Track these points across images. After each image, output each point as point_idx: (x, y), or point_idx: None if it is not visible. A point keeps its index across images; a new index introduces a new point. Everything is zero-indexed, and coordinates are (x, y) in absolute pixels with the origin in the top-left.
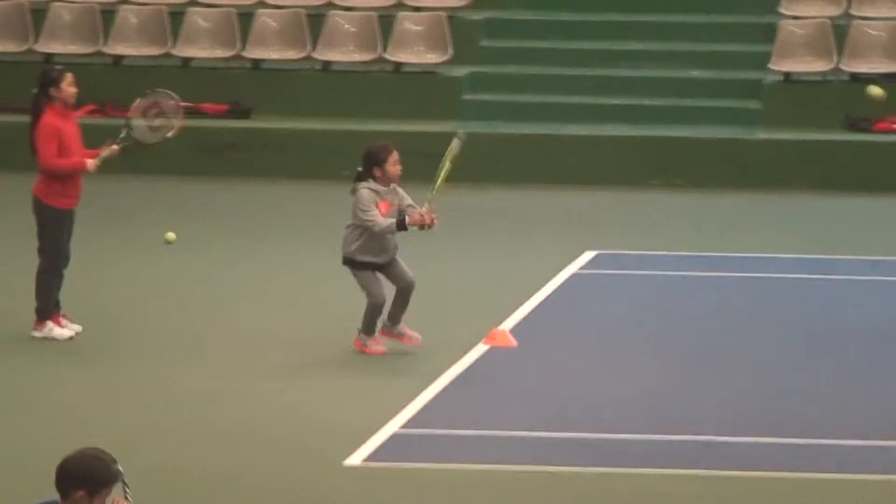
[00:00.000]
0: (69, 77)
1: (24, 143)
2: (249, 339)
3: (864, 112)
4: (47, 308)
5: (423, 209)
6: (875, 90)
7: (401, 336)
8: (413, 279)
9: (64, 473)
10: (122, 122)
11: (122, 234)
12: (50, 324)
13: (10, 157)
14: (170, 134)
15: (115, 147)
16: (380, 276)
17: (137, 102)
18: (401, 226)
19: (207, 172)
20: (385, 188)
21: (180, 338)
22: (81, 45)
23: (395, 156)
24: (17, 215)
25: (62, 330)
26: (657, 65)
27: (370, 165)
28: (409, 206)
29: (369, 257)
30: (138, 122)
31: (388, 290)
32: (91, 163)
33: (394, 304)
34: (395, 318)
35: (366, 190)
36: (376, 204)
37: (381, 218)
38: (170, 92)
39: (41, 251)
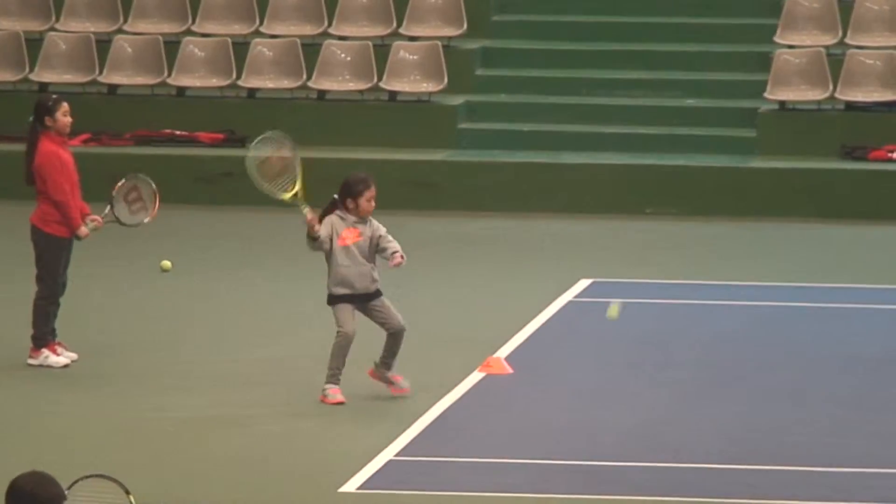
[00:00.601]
0: (64, 106)
1: (20, 171)
2: (245, 367)
3: (859, 140)
4: (44, 336)
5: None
6: (612, 311)
7: (389, 383)
8: (402, 324)
9: (14, 490)
10: (118, 162)
11: (118, 261)
12: (46, 351)
13: (7, 185)
14: (146, 220)
15: (100, 221)
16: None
17: (121, 183)
18: (311, 239)
19: (203, 201)
20: (355, 218)
21: (175, 366)
22: (77, 74)
23: (371, 191)
24: (13, 243)
25: (58, 357)
26: (653, 93)
27: (344, 196)
28: (382, 237)
29: (340, 289)
30: (119, 203)
31: (376, 336)
32: (83, 232)
33: (384, 349)
34: (385, 363)
35: (331, 217)
36: (335, 231)
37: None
38: (149, 180)
39: (39, 279)
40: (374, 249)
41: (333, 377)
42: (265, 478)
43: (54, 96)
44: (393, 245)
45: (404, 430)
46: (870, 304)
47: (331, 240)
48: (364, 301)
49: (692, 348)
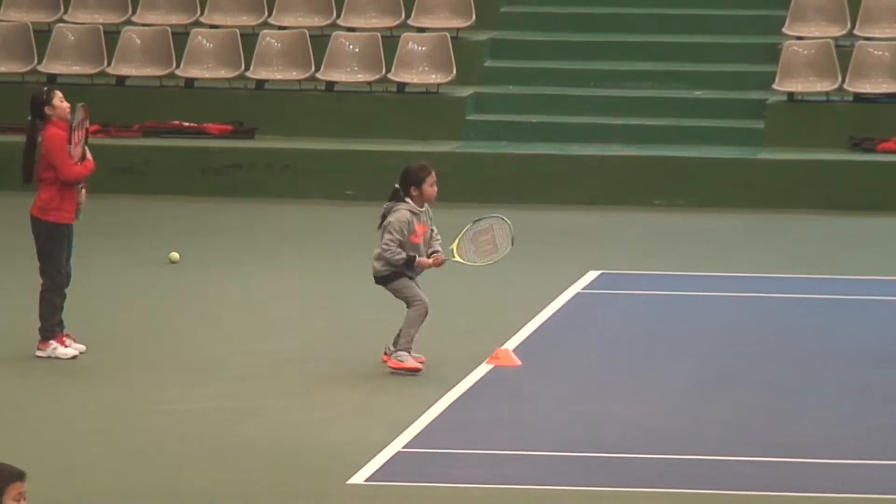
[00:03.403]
0: (58, 94)
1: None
2: (253, 359)
3: (867, 132)
4: (52, 327)
5: (438, 257)
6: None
7: (386, 354)
8: (427, 302)
9: None
10: (123, 142)
11: (126, 253)
12: (54, 343)
13: (13, 177)
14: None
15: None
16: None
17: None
18: (409, 263)
19: (211, 192)
20: (421, 209)
21: (184, 357)
22: (85, 65)
23: (433, 176)
24: (18, 235)
25: (66, 349)
26: (661, 85)
27: (408, 185)
28: (434, 238)
29: (400, 270)
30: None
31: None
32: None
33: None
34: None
35: (405, 211)
36: (412, 228)
37: (398, 250)
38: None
39: (43, 271)
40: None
41: (408, 345)
42: (273, 469)
43: (45, 87)
44: (435, 244)
45: (412, 422)
46: (878, 296)
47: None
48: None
49: (700, 340)
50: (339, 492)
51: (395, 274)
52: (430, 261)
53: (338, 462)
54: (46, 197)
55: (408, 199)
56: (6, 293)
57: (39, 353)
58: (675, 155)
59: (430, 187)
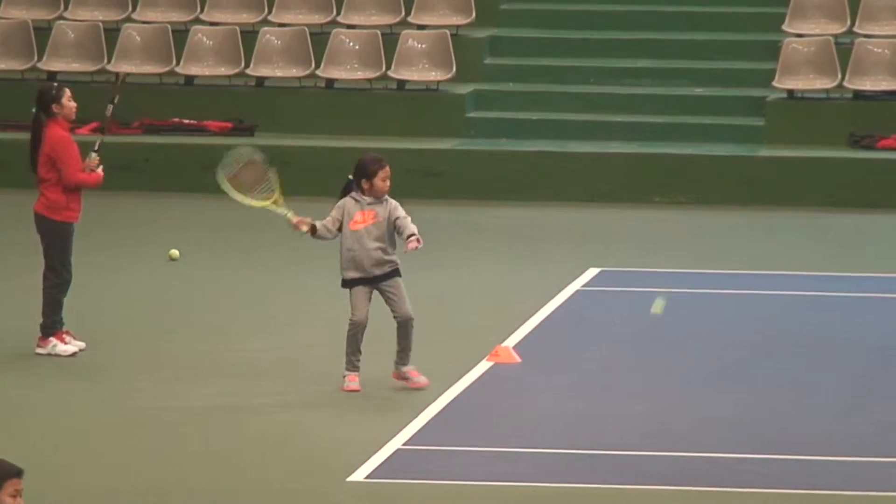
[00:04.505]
0: (68, 92)
1: (27, 160)
2: (252, 356)
3: (867, 129)
4: (53, 324)
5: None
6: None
7: (406, 379)
8: (409, 313)
9: None
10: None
11: (126, 250)
12: (54, 340)
13: (14, 174)
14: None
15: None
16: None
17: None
18: (312, 230)
19: (211, 189)
20: (371, 199)
21: (183, 355)
22: (85, 63)
23: (386, 171)
24: (18, 232)
25: (66, 346)
26: (661, 82)
27: (359, 177)
28: (399, 218)
29: (351, 272)
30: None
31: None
32: (95, 168)
33: (397, 342)
34: (400, 357)
35: (346, 199)
36: (348, 214)
37: (320, 222)
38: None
39: (51, 268)
40: (392, 230)
41: (349, 364)
42: (274, 466)
43: (55, 84)
44: (410, 228)
45: (413, 420)
46: (878, 293)
47: (340, 224)
48: (378, 282)
49: (700, 337)
50: (340, 489)
51: (347, 281)
52: (292, 219)
53: (338, 459)
54: (53, 197)
55: (357, 192)
56: (5, 290)
57: (39, 351)
58: (675, 152)
59: (382, 182)
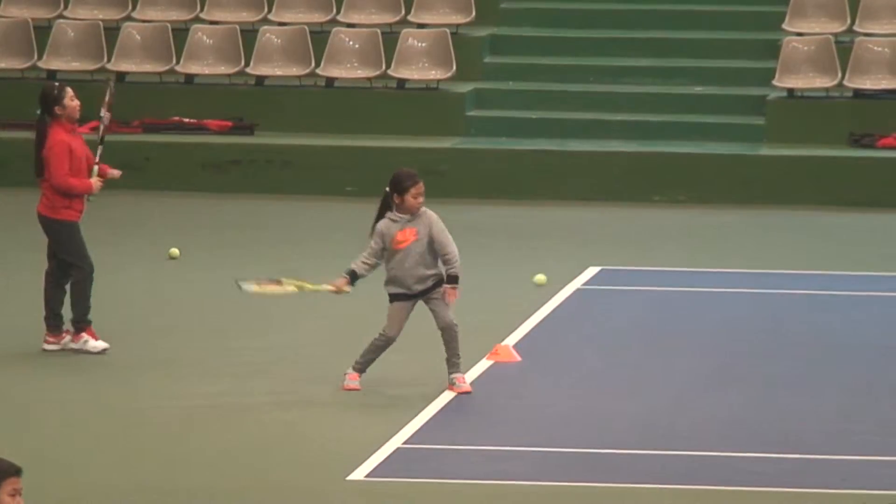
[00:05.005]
0: (70, 91)
1: (28, 159)
2: (252, 355)
3: (867, 128)
4: (83, 318)
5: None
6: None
7: (450, 385)
8: (449, 321)
9: None
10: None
11: (126, 249)
12: (85, 335)
13: (15, 173)
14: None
15: (117, 173)
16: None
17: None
18: (352, 277)
19: (211, 188)
20: (405, 216)
21: (182, 354)
22: (85, 61)
23: (419, 187)
24: (20, 231)
25: (97, 342)
26: (661, 81)
27: (393, 191)
28: (437, 242)
29: (394, 288)
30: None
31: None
32: (96, 185)
33: (444, 347)
34: (450, 363)
35: (383, 222)
36: (389, 236)
37: (355, 262)
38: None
39: (70, 264)
40: (433, 248)
41: (359, 366)
42: (273, 465)
43: (57, 84)
44: (449, 257)
45: (412, 418)
46: (877, 292)
47: (383, 250)
48: (421, 296)
49: (700, 336)
50: (339, 488)
51: (391, 296)
52: (330, 288)
53: (338, 458)
54: (54, 196)
55: (391, 212)
56: (9, 289)
57: (73, 345)
58: (674, 151)
59: (414, 199)
